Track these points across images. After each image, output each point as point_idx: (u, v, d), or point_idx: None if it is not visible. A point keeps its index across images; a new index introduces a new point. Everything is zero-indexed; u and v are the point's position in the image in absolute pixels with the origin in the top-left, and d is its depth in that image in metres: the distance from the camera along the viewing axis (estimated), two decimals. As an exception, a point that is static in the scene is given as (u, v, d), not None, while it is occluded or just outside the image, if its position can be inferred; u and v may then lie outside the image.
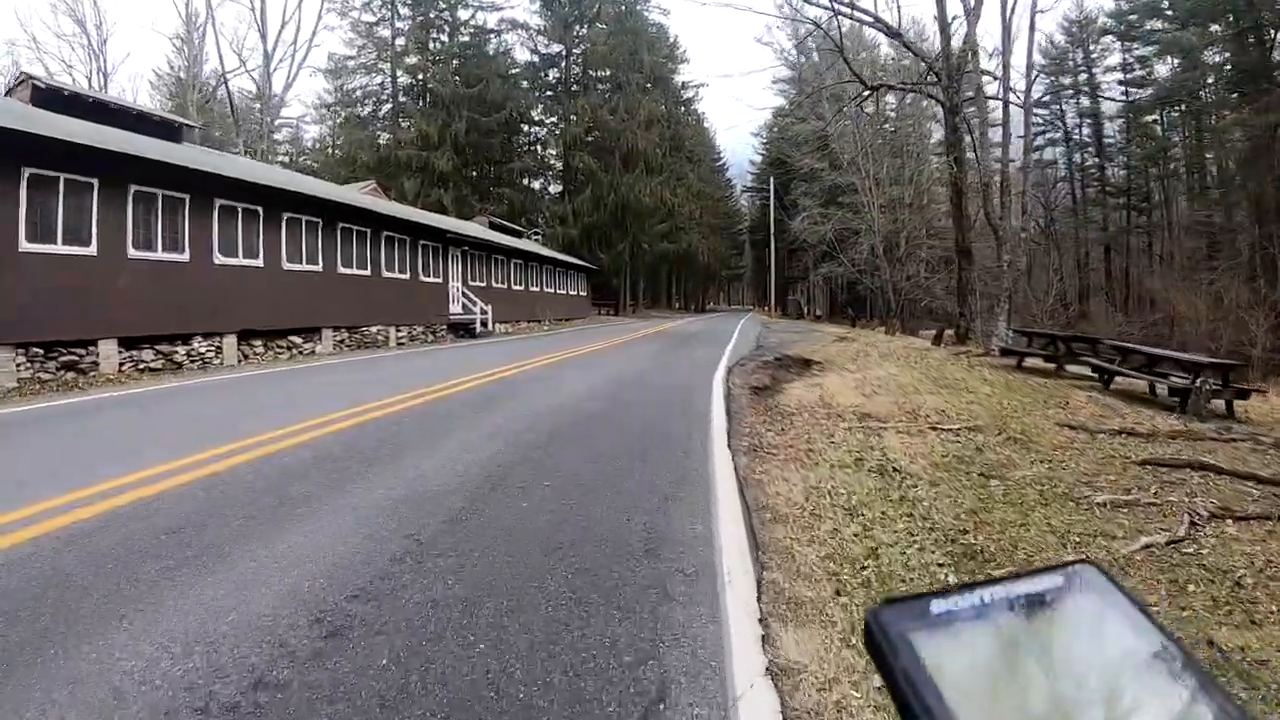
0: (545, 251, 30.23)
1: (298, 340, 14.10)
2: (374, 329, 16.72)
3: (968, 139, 18.10)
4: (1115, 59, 51.93)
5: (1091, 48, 53.12)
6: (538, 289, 28.72)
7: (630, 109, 37.65)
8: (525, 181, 36.97)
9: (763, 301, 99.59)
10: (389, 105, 39.06)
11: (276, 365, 12.59)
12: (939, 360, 13.33)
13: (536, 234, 35.98)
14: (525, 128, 39.71)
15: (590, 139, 38.24)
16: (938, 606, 0.37)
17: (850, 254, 34.05)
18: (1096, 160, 54.39)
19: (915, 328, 30.97)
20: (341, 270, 15.60)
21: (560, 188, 40.00)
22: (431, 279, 19.95)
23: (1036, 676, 0.34)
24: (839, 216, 33.11)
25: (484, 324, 21.33)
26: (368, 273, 16.59)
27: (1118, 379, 9.76)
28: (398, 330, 17.76)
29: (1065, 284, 36.57)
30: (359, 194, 20.75)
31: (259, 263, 13.12)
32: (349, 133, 37.49)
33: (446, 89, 36.24)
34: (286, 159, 44.55)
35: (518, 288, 26.56)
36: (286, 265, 13.89)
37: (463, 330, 20.56)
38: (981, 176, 17.93)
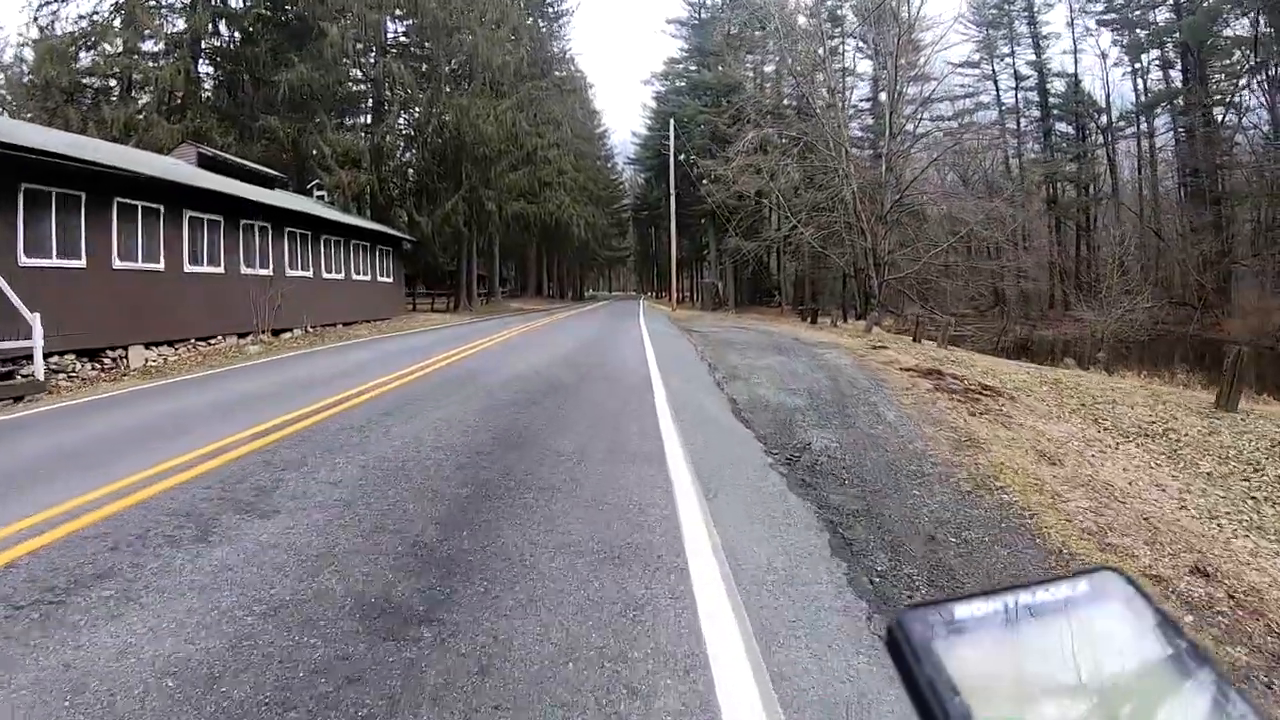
0: (301, 205, 17.98)
1: None
2: None
3: None
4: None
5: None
6: (257, 270, 16.56)
7: (469, -7, 25.38)
8: (306, 103, 23.78)
9: (650, 287, 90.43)
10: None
11: None
12: None
13: (319, 188, 23.18)
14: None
15: (405, 39, 25.52)
16: (961, 613, 0.37)
17: (791, 219, 23.74)
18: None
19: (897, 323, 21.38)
20: None
21: (364, 119, 26.88)
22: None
23: (1060, 684, 0.34)
24: (787, 164, 22.67)
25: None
26: None
27: None
28: None
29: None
30: None
31: None
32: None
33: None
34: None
35: (199, 271, 14.44)
36: None
37: None
38: None
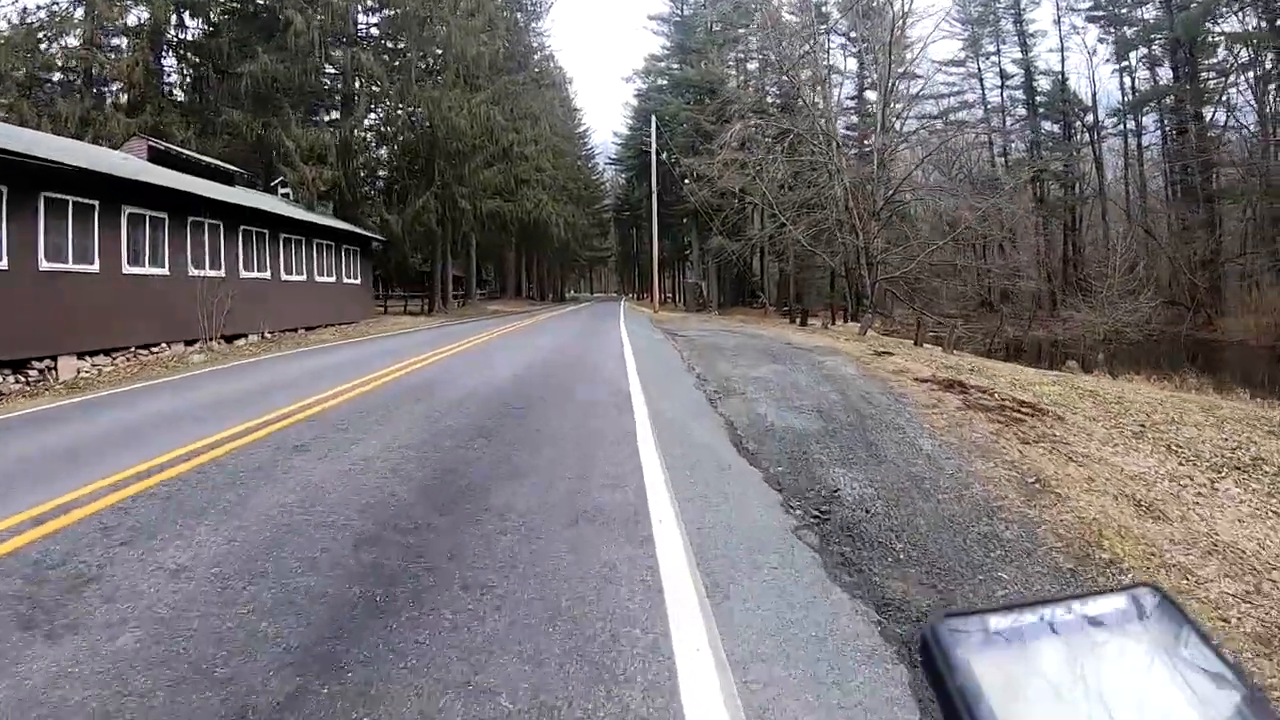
0: (258, 202, 16.70)
1: None
2: None
3: None
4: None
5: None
6: (207, 271, 15.24)
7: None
8: (271, 97, 22.18)
9: (632, 288, 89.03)
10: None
11: None
12: None
13: (284, 186, 21.72)
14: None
15: (376, 29, 24.02)
16: (997, 624, 0.37)
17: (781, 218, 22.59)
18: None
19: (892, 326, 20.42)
20: None
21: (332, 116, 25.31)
22: None
23: (1094, 699, 0.33)
24: (774, 160, 21.55)
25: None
26: None
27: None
28: None
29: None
30: None
31: None
32: None
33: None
34: None
35: (154, 272, 13.15)
36: None
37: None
38: None
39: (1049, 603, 0.37)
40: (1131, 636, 0.36)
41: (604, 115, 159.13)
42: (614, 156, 67.02)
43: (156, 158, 18.32)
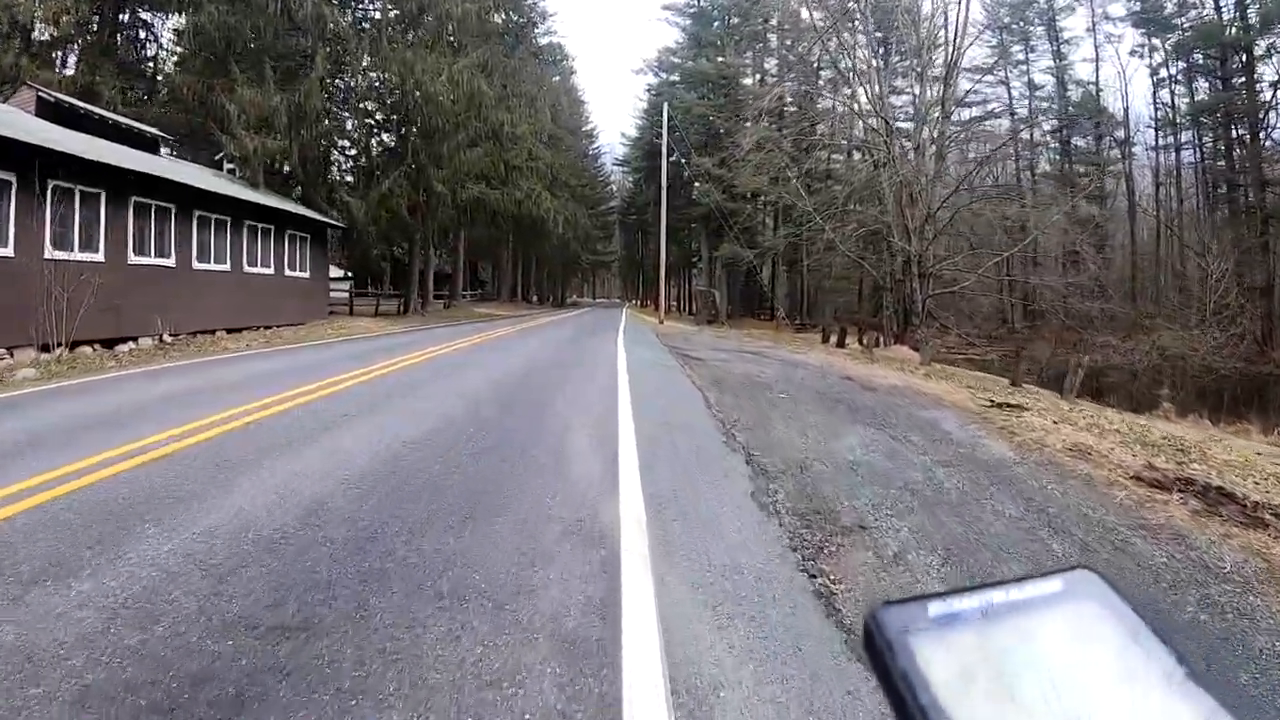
0: (162, 169, 12.99)
1: None
2: None
3: None
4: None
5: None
6: (76, 254, 11.38)
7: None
8: (225, 58, 18.19)
9: (636, 294, 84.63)
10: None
11: None
12: None
13: (230, 161, 17.90)
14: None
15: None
16: (936, 609, 0.37)
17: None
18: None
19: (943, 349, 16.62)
20: None
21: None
22: None
23: (1034, 682, 0.34)
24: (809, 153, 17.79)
25: None
26: None
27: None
28: None
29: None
30: None
31: None
32: None
33: None
34: None
35: None
36: None
37: None
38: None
39: (989, 587, 0.37)
40: (1069, 618, 0.36)
41: (611, 118, 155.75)
42: (621, 158, 64.10)
43: (46, 112, 14.48)
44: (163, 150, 17.90)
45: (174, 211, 13.79)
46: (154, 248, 13.39)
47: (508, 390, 8.00)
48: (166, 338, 13.71)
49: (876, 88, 17.99)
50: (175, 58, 20.47)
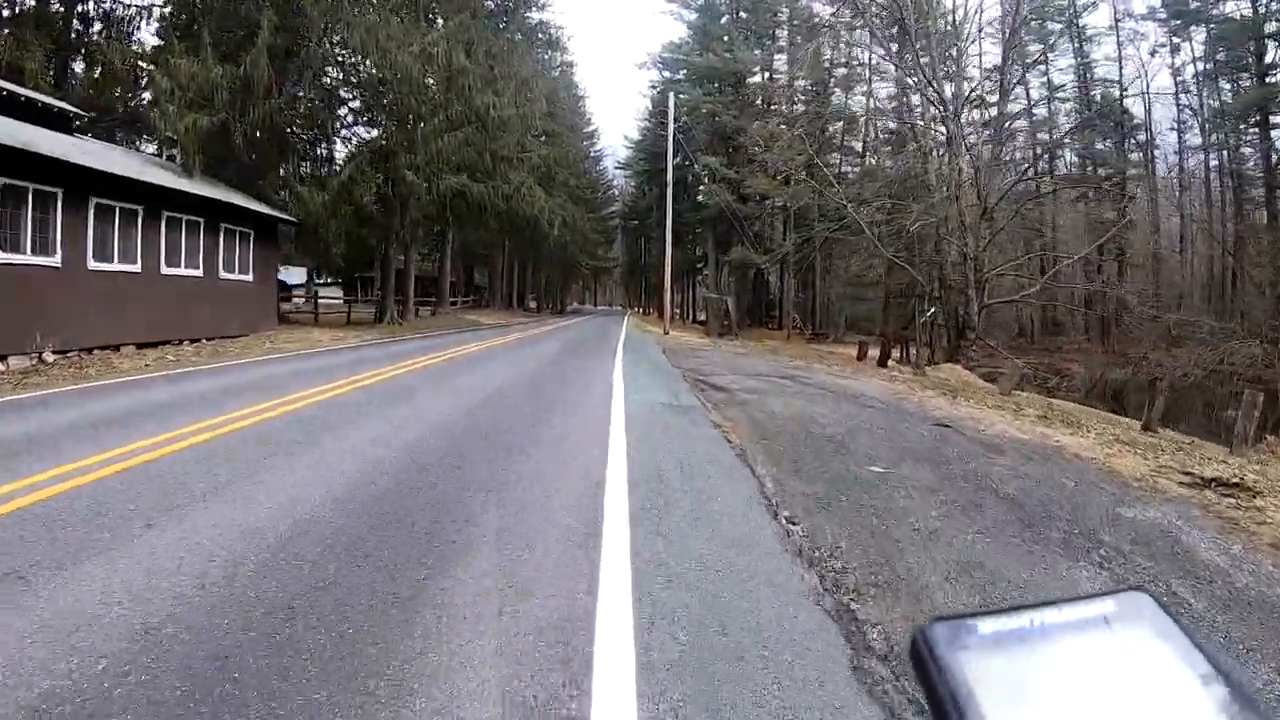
0: (59, 149, 10.15)
1: None
2: None
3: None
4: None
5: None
6: None
7: None
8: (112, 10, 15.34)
9: (638, 301, 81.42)
10: None
11: None
12: None
13: (163, 144, 15.14)
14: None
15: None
16: (986, 627, 0.36)
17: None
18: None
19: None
20: None
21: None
22: None
23: (1083, 705, 0.33)
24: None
25: None
26: None
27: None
28: None
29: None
30: None
31: None
32: None
33: None
34: None
35: None
36: None
37: None
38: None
39: (1039, 607, 0.36)
40: (1121, 640, 0.35)
41: (613, 123, 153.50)
42: (623, 161, 61.42)
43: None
44: (122, 139, 15.07)
45: (60, 197, 10.91)
46: (30, 243, 10.50)
47: (457, 440, 4.98)
48: (48, 356, 10.84)
49: (931, 55, 15.14)
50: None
